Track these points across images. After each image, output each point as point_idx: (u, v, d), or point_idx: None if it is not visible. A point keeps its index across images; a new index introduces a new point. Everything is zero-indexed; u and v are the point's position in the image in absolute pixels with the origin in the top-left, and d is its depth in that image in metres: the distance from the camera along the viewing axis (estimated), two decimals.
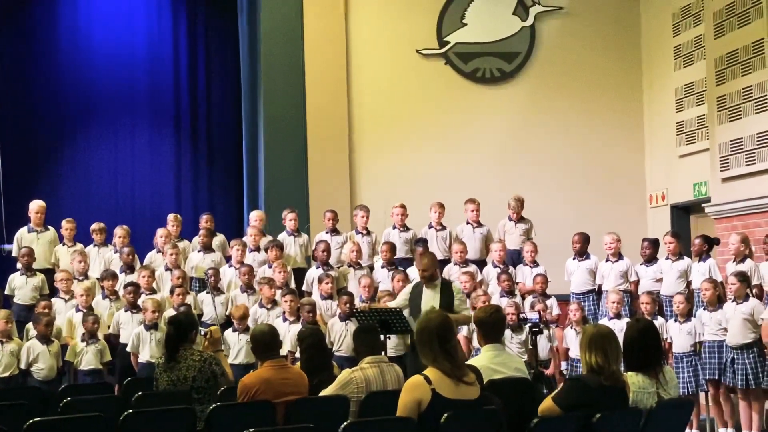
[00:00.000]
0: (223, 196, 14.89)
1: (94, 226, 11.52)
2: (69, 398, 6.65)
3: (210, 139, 14.98)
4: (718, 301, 9.61)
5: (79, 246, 11.32)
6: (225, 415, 5.96)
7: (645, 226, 14.28)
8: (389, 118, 14.23)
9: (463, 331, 9.97)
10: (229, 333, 10.08)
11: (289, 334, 9.87)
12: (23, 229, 11.38)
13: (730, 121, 12.03)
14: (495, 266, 11.25)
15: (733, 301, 9.42)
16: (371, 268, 11.38)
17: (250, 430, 5.21)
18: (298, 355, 8.28)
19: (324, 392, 6.26)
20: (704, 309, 9.68)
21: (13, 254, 11.26)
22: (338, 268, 11.32)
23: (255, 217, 12.03)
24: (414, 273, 10.80)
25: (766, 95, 11.41)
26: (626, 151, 14.65)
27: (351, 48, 14.20)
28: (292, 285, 10.92)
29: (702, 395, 9.72)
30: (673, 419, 5.63)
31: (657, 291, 10.58)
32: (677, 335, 9.75)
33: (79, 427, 5.67)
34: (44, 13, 14.32)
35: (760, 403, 9.33)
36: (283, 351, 9.35)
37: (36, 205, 11.42)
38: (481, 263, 11.55)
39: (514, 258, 11.61)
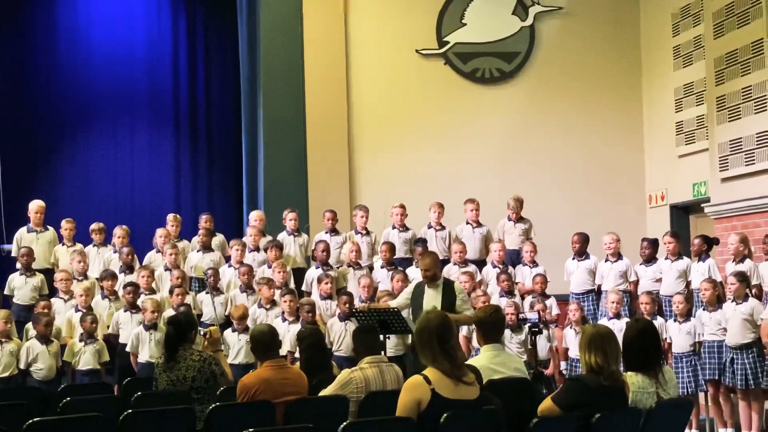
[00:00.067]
0: (223, 196, 14.89)
1: (94, 226, 11.52)
2: (68, 398, 6.65)
3: (209, 138, 14.98)
4: (717, 301, 9.61)
5: (79, 246, 11.32)
6: (224, 415, 5.96)
7: (644, 226, 14.29)
8: (389, 118, 14.24)
9: (462, 331, 9.97)
10: (228, 333, 10.07)
11: (288, 334, 9.87)
12: (23, 229, 11.38)
13: (729, 121, 12.03)
14: (494, 266, 11.25)
15: (732, 301, 9.41)
16: (371, 268, 11.38)
17: (250, 430, 5.21)
18: (297, 355, 8.29)
19: (323, 392, 6.26)
20: (704, 309, 9.68)
21: (13, 254, 11.26)
22: (338, 268, 11.32)
23: (255, 217, 12.03)
24: (413, 273, 10.81)
25: (765, 95, 11.41)
26: (626, 151, 14.65)
27: (350, 48, 14.20)
28: (292, 285, 10.92)
29: (701, 395, 9.72)
30: (672, 419, 5.63)
31: (656, 291, 10.58)
32: (677, 335, 9.76)
33: (78, 427, 5.67)
34: (43, 13, 14.31)
35: (760, 403, 9.33)
36: (283, 351, 9.35)
37: (35, 205, 11.42)
38: (480, 263, 11.55)
39: (513, 258, 11.61)
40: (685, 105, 13.64)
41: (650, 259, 10.90)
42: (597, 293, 11.10)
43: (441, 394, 5.15)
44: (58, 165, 14.32)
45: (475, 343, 9.61)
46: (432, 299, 8.94)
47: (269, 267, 11.10)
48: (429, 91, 14.38)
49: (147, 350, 9.88)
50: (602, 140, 14.61)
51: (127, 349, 10.02)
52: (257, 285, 10.69)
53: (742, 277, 9.48)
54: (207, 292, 10.73)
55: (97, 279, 10.85)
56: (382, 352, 7.51)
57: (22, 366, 9.61)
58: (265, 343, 6.50)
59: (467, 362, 5.93)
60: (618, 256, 11.04)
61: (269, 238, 11.72)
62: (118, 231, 11.45)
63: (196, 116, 14.91)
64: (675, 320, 9.83)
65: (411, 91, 14.37)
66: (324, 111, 13.95)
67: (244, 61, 14.46)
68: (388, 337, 8.88)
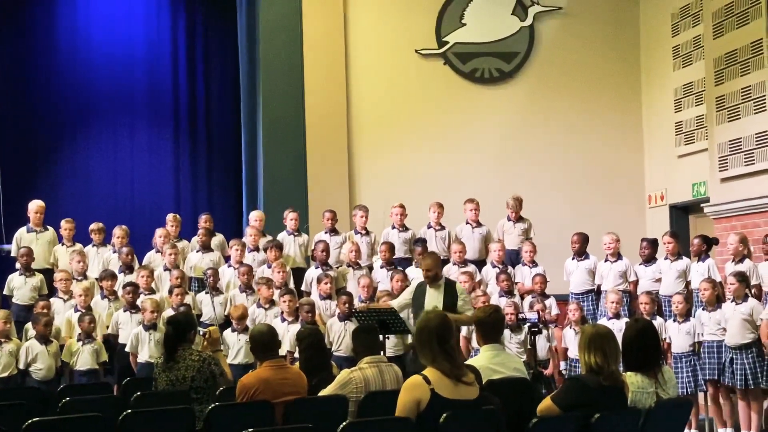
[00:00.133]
0: (222, 196, 14.89)
1: (93, 226, 11.52)
2: (68, 398, 6.65)
3: (209, 138, 14.98)
4: (716, 301, 9.61)
5: (78, 246, 11.32)
6: (224, 415, 5.96)
7: (644, 226, 14.29)
8: (388, 118, 14.24)
9: (462, 332, 9.96)
10: (228, 333, 10.07)
11: (288, 334, 9.87)
12: (22, 229, 11.37)
13: (728, 121, 12.03)
14: (494, 266, 11.25)
15: (732, 302, 9.42)
16: (370, 268, 11.38)
17: (249, 430, 5.21)
18: (297, 355, 8.29)
19: (323, 392, 6.26)
20: (703, 309, 9.69)
21: (12, 254, 11.26)
22: (337, 268, 11.32)
23: (255, 217, 12.03)
24: (413, 273, 10.82)
25: (764, 95, 11.41)
26: (625, 151, 14.66)
27: (350, 48, 14.20)
28: (291, 285, 10.92)
29: (701, 395, 9.72)
30: (672, 419, 5.63)
31: (656, 291, 10.58)
32: (676, 335, 9.76)
33: (78, 427, 5.67)
34: (43, 13, 14.32)
35: (759, 403, 9.34)
36: (282, 351, 9.35)
37: (35, 205, 11.42)
38: (480, 263, 11.55)
39: (513, 258, 11.61)
40: (685, 105, 13.64)
41: (650, 259, 10.90)
42: (596, 293, 11.10)
43: (440, 394, 5.15)
44: (58, 165, 14.32)
45: (474, 343, 9.61)
46: (433, 299, 8.94)
47: (269, 267, 11.10)
48: (428, 91, 14.38)
49: (146, 350, 9.88)
50: (602, 140, 14.61)
51: (127, 349, 10.02)
52: (256, 285, 10.69)
53: (742, 277, 9.48)
54: (206, 292, 10.73)
55: (96, 279, 10.84)
56: (382, 352, 7.50)
57: (21, 366, 9.61)
58: (264, 343, 6.50)
59: (467, 362, 5.94)
60: (617, 256, 11.04)
61: (269, 238, 11.72)
62: (118, 231, 11.45)
63: (195, 116, 14.91)
64: (674, 320, 9.83)
65: (410, 91, 14.37)
66: (323, 111, 13.95)
67: (243, 61, 14.46)
68: (388, 337, 8.88)
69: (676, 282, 10.52)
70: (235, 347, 10.01)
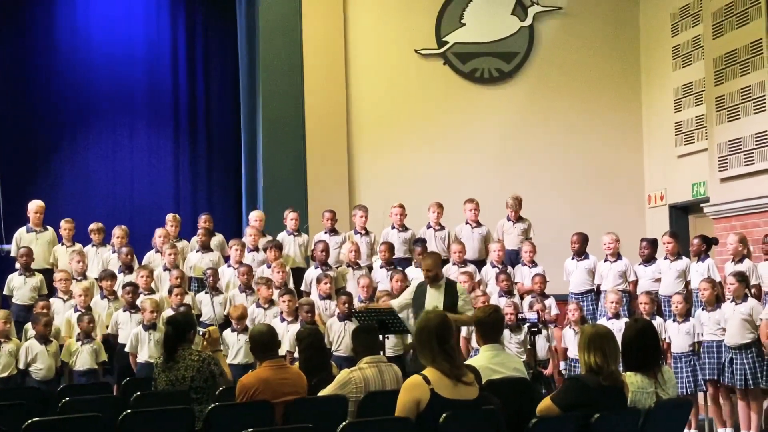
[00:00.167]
0: (222, 196, 14.89)
1: (92, 226, 11.52)
2: (67, 398, 6.65)
3: (209, 138, 14.97)
4: (716, 300, 9.61)
5: (78, 246, 11.32)
6: (223, 415, 5.96)
7: (643, 226, 14.29)
8: (388, 118, 14.24)
9: (461, 332, 9.96)
10: (227, 333, 10.07)
11: (287, 334, 9.87)
12: (22, 229, 11.37)
13: (728, 121, 12.03)
14: (493, 266, 11.25)
15: (731, 302, 9.42)
16: (370, 268, 11.38)
17: (249, 430, 5.22)
18: (296, 355, 8.29)
19: (323, 392, 6.26)
20: (702, 309, 9.69)
21: (12, 254, 11.26)
22: (337, 268, 11.32)
23: (255, 217, 12.02)
24: (413, 273, 10.82)
25: (764, 95, 11.42)
26: (625, 151, 14.66)
27: (350, 48, 14.20)
28: (291, 285, 10.92)
29: (701, 395, 9.72)
30: (671, 419, 5.63)
31: (655, 291, 10.58)
32: (676, 335, 9.76)
33: (77, 427, 5.67)
34: (43, 13, 14.32)
35: (759, 403, 9.34)
36: (282, 351, 9.35)
37: (35, 205, 11.42)
38: (479, 263, 11.55)
39: (512, 258, 11.61)
40: (685, 105, 13.64)
41: (649, 259, 10.90)
42: (596, 293, 11.09)
43: (440, 394, 5.15)
44: (58, 165, 14.32)
45: (474, 343, 9.61)
46: (434, 299, 8.94)
47: (268, 267, 11.10)
48: (428, 91, 14.38)
49: (146, 350, 9.88)
50: (601, 140, 14.61)
51: (127, 349, 10.01)
52: (256, 285, 10.69)
53: (742, 277, 9.48)
54: (206, 292, 10.73)
55: (96, 279, 10.84)
56: (381, 352, 7.51)
57: (21, 366, 9.61)
58: (264, 343, 6.50)
59: (466, 362, 5.94)
60: (617, 256, 11.03)
61: (269, 238, 11.72)
62: (117, 231, 11.45)
63: (195, 116, 14.91)
64: (674, 320, 9.83)
65: (410, 91, 14.37)
66: (323, 111, 13.95)
67: (243, 61, 14.46)
68: (387, 337, 8.88)
69: (675, 282, 10.51)
70: (235, 347, 10.01)
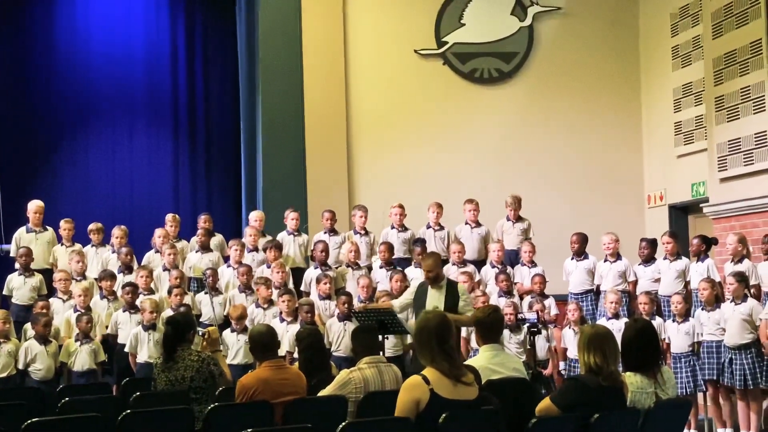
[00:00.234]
0: (222, 196, 14.89)
1: (92, 226, 11.51)
2: (67, 398, 6.65)
3: (208, 139, 14.98)
4: (715, 301, 9.61)
5: (78, 246, 11.31)
6: (223, 416, 5.96)
7: (643, 226, 14.29)
8: (387, 118, 14.24)
9: (461, 332, 9.95)
10: (227, 333, 10.07)
11: (287, 334, 9.87)
12: (22, 230, 11.37)
13: (728, 122, 12.03)
14: (493, 266, 11.25)
15: (731, 302, 9.42)
16: (369, 268, 11.38)
17: (248, 430, 5.22)
18: (296, 355, 8.29)
19: (322, 392, 6.26)
20: (702, 309, 9.69)
21: (12, 254, 11.25)
22: (336, 268, 11.32)
23: (255, 217, 12.02)
24: (412, 273, 10.83)
25: (763, 95, 11.42)
26: (624, 151, 14.66)
27: (349, 48, 14.20)
28: (291, 285, 10.92)
29: (700, 395, 9.72)
30: (671, 419, 5.63)
31: (655, 291, 10.58)
32: (675, 335, 9.76)
33: (77, 427, 5.67)
34: (42, 13, 14.32)
35: (758, 403, 9.34)
36: (281, 351, 9.34)
37: (34, 206, 11.41)
38: (479, 263, 11.55)
39: (512, 258, 11.61)
40: (684, 105, 13.64)
41: (649, 259, 10.90)
42: (596, 293, 11.09)
43: (440, 394, 5.15)
44: (57, 165, 14.32)
45: (473, 343, 9.61)
46: (435, 300, 8.93)
47: (268, 267, 11.10)
48: (428, 91, 14.38)
49: (146, 350, 9.88)
50: (601, 140, 14.61)
51: (126, 349, 10.01)
52: (255, 285, 10.68)
53: (741, 278, 9.48)
54: (206, 293, 10.74)
55: (95, 279, 10.84)
56: (381, 353, 7.50)
57: (20, 366, 9.60)
58: (264, 343, 6.50)
59: (466, 362, 5.94)
60: (617, 256, 11.03)
61: (269, 238, 11.72)
62: (117, 231, 11.44)
63: (195, 116, 14.92)
64: (673, 320, 9.83)
65: (410, 91, 14.37)
66: (323, 111, 13.95)
67: (243, 61, 14.46)
68: (387, 338, 8.88)
69: (675, 282, 10.51)
70: (235, 347, 10.00)
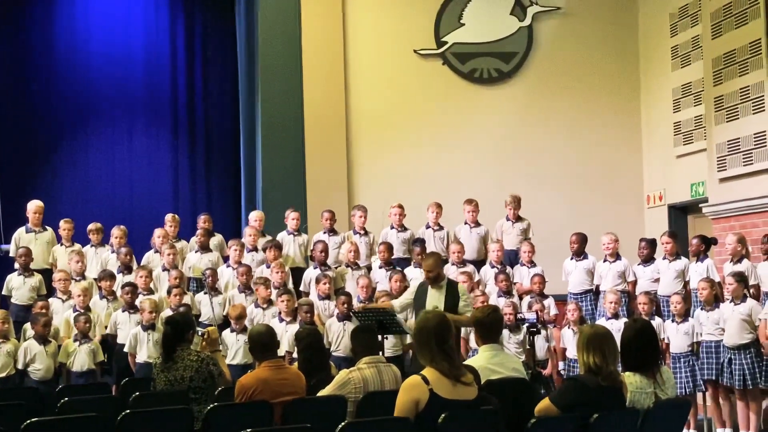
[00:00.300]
0: (221, 197, 14.89)
1: (91, 226, 11.51)
2: (66, 398, 6.65)
3: (208, 139, 14.97)
4: (715, 300, 9.61)
5: (77, 246, 11.32)
6: (222, 416, 5.96)
7: (642, 226, 14.29)
8: (387, 118, 14.24)
9: (461, 332, 9.95)
10: (226, 333, 10.07)
11: (286, 334, 9.87)
12: (21, 230, 11.36)
13: (727, 122, 12.04)
14: (492, 266, 11.25)
15: (731, 302, 9.42)
16: (369, 268, 11.38)
17: (248, 430, 5.22)
18: (295, 355, 8.29)
19: (321, 392, 6.26)
20: (701, 309, 9.69)
21: (11, 254, 11.25)
22: (336, 268, 11.32)
23: (255, 217, 12.02)
24: (412, 273, 10.83)
25: (763, 95, 11.42)
26: (624, 151, 14.66)
27: (348, 48, 14.20)
28: (290, 285, 10.92)
29: (699, 395, 9.72)
30: (670, 419, 5.63)
31: (654, 291, 10.58)
32: (674, 335, 9.76)
33: (76, 427, 5.67)
34: (42, 13, 14.31)
35: (758, 403, 9.34)
36: (281, 351, 9.35)
37: (34, 206, 11.41)
38: (478, 263, 11.55)
39: (511, 258, 11.61)
40: (683, 105, 13.64)
41: (648, 259, 10.90)
42: (595, 293, 11.10)
43: (439, 395, 5.15)
44: (57, 165, 14.32)
45: (472, 343, 9.61)
46: (435, 300, 8.93)
47: (268, 267, 11.10)
48: (427, 91, 14.38)
49: (145, 350, 9.88)
50: (600, 140, 14.61)
51: (126, 349, 10.02)
52: (254, 285, 10.68)
53: (740, 278, 9.49)
54: (205, 293, 10.74)
55: (95, 279, 10.84)
56: (380, 353, 7.50)
57: (20, 366, 9.60)
58: (263, 343, 6.50)
59: (465, 362, 5.94)
60: (616, 256, 11.03)
61: (268, 238, 11.72)
62: (116, 231, 11.44)
63: (194, 116, 14.91)
64: (673, 320, 9.84)
65: (409, 91, 14.37)
66: (322, 111, 13.95)
67: (242, 62, 14.47)
68: (386, 338, 8.88)
69: (674, 282, 10.51)
70: (234, 347, 10.01)
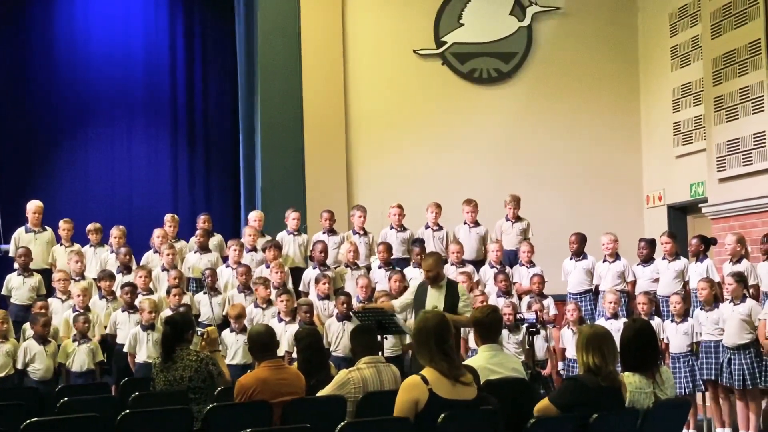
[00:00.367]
0: (221, 197, 14.89)
1: (90, 226, 11.50)
2: (66, 398, 6.65)
3: (207, 139, 14.98)
4: (714, 300, 9.61)
5: (77, 246, 11.31)
6: (222, 416, 5.96)
7: (642, 226, 14.29)
8: (386, 118, 14.23)
9: (460, 332, 9.94)
10: (226, 333, 10.07)
11: (285, 334, 9.87)
12: (21, 230, 11.36)
13: (726, 122, 12.04)
14: (492, 266, 11.25)
15: (730, 302, 9.42)
16: (368, 268, 11.38)
17: (247, 430, 5.22)
18: (295, 355, 8.29)
19: (321, 393, 6.26)
20: (701, 309, 9.70)
21: (11, 254, 11.25)
22: (335, 268, 11.31)
23: (254, 217, 12.02)
24: (411, 273, 10.83)
25: (762, 95, 11.42)
26: (623, 152, 14.66)
27: (348, 48, 14.20)
28: (290, 285, 10.92)
29: (699, 395, 9.72)
30: (669, 419, 5.64)
31: (654, 291, 10.58)
32: (674, 335, 9.76)
33: (76, 427, 5.67)
34: (42, 13, 14.32)
35: (757, 403, 9.35)
36: (280, 351, 9.34)
37: (33, 206, 11.41)
38: (478, 263, 11.55)
39: (511, 258, 11.61)
40: (683, 105, 13.64)
41: (647, 260, 10.90)
42: (594, 293, 11.10)
43: (438, 395, 5.15)
44: (56, 165, 14.33)
45: (472, 343, 9.61)
46: (434, 299, 8.92)
47: (267, 267, 11.09)
48: (426, 91, 14.38)
49: (144, 350, 9.88)
50: (600, 140, 14.61)
51: (125, 349, 10.02)
52: (254, 285, 10.68)
53: (740, 278, 9.49)
54: (205, 293, 10.74)
55: (94, 279, 10.84)
56: (380, 353, 7.50)
57: (19, 366, 9.60)
58: (263, 343, 6.50)
59: (465, 362, 5.94)
60: (616, 256, 11.03)
61: (268, 238, 11.72)
62: (115, 231, 11.44)
63: (193, 117, 14.92)
64: (672, 320, 9.84)
65: (408, 91, 14.37)
66: (321, 111, 13.95)
67: (241, 62, 14.46)
68: (386, 338, 8.88)
69: (673, 282, 10.51)
70: (233, 347, 10.01)
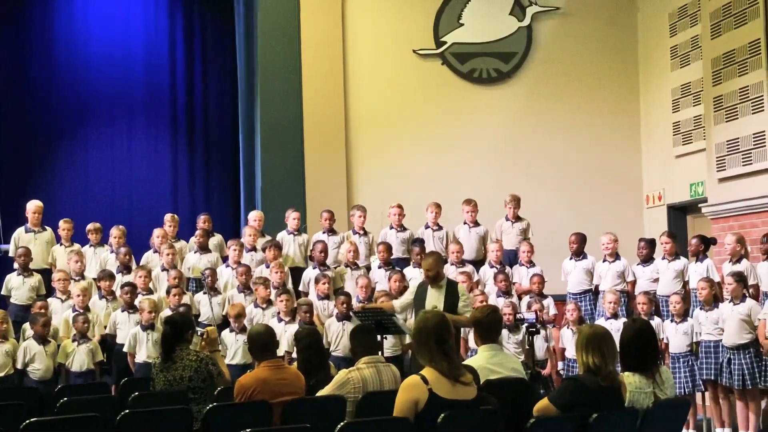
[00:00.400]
0: (221, 196, 14.89)
1: (90, 226, 11.50)
2: (65, 398, 6.65)
3: (207, 139, 14.98)
4: (714, 300, 9.61)
5: (77, 246, 11.31)
6: (222, 416, 5.96)
7: (641, 226, 14.29)
8: (386, 118, 14.24)
9: (460, 332, 9.94)
10: (226, 333, 10.07)
11: (285, 334, 9.87)
12: (20, 230, 11.36)
13: (726, 122, 12.04)
14: (492, 266, 11.25)
15: (730, 302, 9.42)
16: (368, 268, 11.38)
17: (247, 430, 5.22)
18: (294, 355, 8.29)
19: (321, 392, 6.27)
20: (701, 308, 9.70)
21: (10, 254, 11.25)
22: (335, 268, 11.32)
23: (254, 217, 12.02)
24: (411, 273, 10.83)
25: (762, 95, 11.42)
26: (623, 152, 14.66)
27: (348, 48, 14.20)
28: (290, 285, 10.92)
29: (699, 395, 9.72)
30: (669, 419, 5.64)
31: (654, 291, 10.58)
32: (673, 335, 9.77)
33: (75, 427, 5.67)
34: (42, 13, 14.32)
35: (757, 402, 9.35)
36: (280, 351, 9.34)
37: (33, 206, 11.40)
38: (477, 263, 11.55)
39: (510, 258, 11.61)
40: (683, 105, 13.64)
41: (647, 259, 10.90)
42: (594, 293, 11.10)
43: (438, 394, 5.15)
44: (56, 165, 14.32)
45: (471, 343, 9.61)
46: (434, 299, 8.92)
47: (267, 267, 11.09)
48: (426, 91, 14.38)
49: (144, 350, 9.88)
50: (600, 140, 14.61)
51: (125, 349, 10.02)
52: (253, 284, 10.68)
53: (740, 278, 9.49)
54: (204, 293, 10.74)
55: (94, 279, 10.84)
56: (380, 353, 7.51)
57: (19, 366, 9.61)
58: (263, 343, 6.50)
59: (464, 362, 5.94)
60: (615, 256, 11.03)
61: (268, 237, 11.72)
62: (115, 231, 11.44)
63: (193, 116, 14.92)
64: (672, 320, 9.84)
65: (408, 91, 14.37)
66: (321, 111, 13.95)
67: (241, 62, 14.47)
68: (386, 338, 8.88)
69: (673, 282, 10.52)
70: (233, 347, 10.01)
